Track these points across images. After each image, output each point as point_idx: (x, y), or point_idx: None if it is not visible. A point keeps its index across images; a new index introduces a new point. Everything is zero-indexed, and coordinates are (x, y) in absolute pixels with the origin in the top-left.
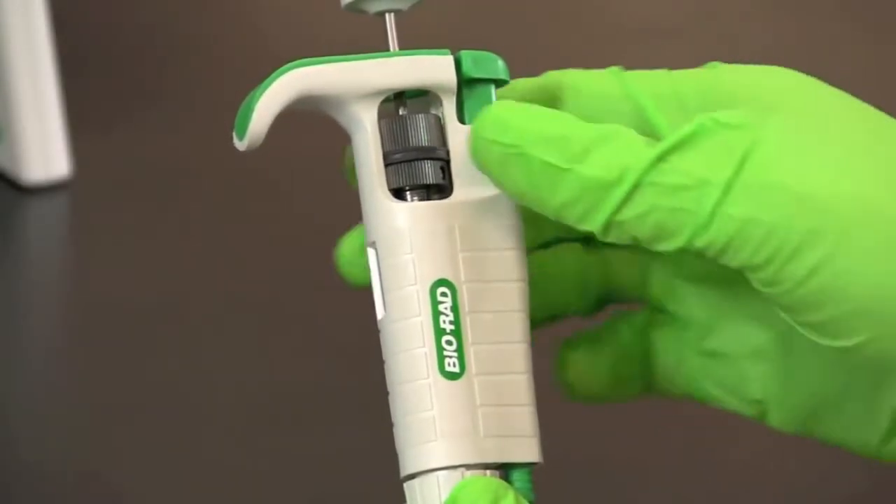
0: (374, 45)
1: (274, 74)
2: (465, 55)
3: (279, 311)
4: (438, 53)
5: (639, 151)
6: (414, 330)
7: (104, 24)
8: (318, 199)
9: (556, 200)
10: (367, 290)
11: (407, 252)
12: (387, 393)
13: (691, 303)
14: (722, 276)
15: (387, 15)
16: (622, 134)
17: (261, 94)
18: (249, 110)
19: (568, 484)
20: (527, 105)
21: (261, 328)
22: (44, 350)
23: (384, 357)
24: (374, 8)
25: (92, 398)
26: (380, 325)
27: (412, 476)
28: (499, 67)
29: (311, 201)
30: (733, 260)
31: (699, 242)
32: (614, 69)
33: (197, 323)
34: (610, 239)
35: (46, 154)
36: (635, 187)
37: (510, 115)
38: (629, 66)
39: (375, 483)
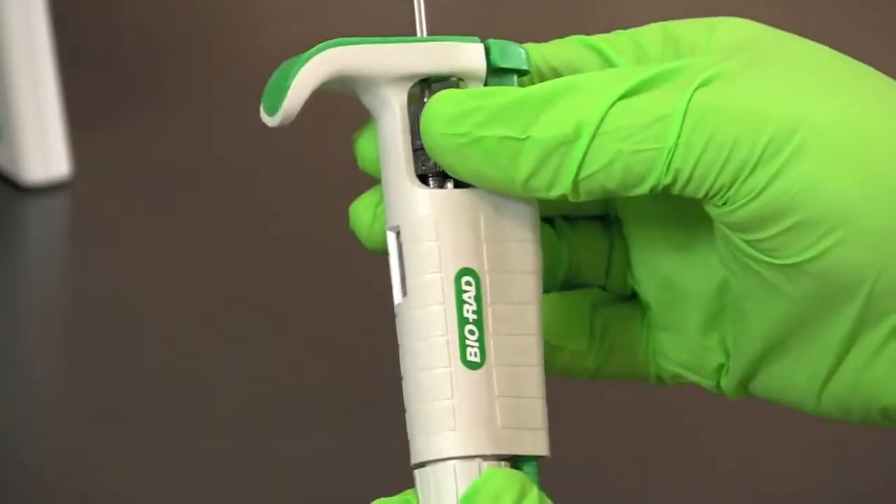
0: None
1: (311, 52)
2: (494, 44)
3: (280, 311)
4: (468, 41)
5: (593, 100)
6: (436, 317)
7: (104, 23)
8: (320, 198)
9: (522, 174)
10: (384, 256)
11: (433, 239)
12: (386, 391)
13: (648, 280)
14: (679, 240)
15: (415, 0)
16: (575, 85)
17: (298, 70)
18: (284, 86)
19: (566, 484)
20: (468, 90)
21: (261, 328)
22: (43, 350)
23: (400, 342)
24: None
25: (91, 398)
26: (397, 310)
27: (424, 464)
28: (523, 58)
29: (312, 201)
30: (701, 187)
31: (667, 178)
32: (575, 37)
33: (197, 323)
34: (582, 197)
35: (46, 154)
36: (594, 137)
37: (456, 103)
38: None
39: (374, 483)
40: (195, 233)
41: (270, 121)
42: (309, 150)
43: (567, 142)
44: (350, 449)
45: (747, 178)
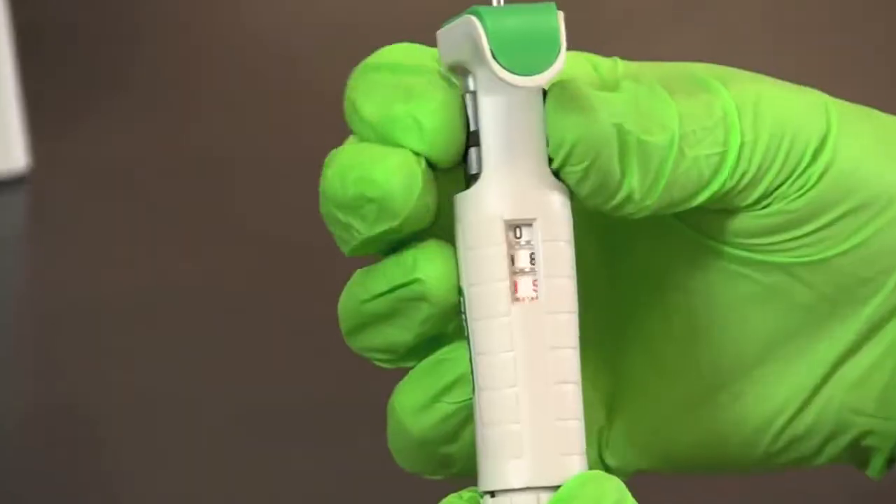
0: (356, 23)
1: (545, 5)
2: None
3: (255, 313)
4: (542, 8)
5: (670, 105)
6: (573, 325)
7: (66, 6)
8: (301, 193)
9: (634, 182)
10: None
11: (568, 239)
12: (378, 405)
13: None
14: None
15: None
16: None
17: (554, 16)
18: (545, 35)
19: None
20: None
21: (236, 329)
22: (1, 353)
23: (513, 355)
24: None
25: (49, 397)
26: (516, 308)
27: (491, 493)
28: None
29: (293, 195)
30: (762, 183)
31: (731, 181)
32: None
33: (162, 322)
34: (651, 212)
35: (4, 147)
36: (680, 142)
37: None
38: (616, 54)
39: (368, 494)
40: (163, 230)
41: (534, 80)
42: (288, 141)
43: (666, 148)
44: (342, 459)
45: (806, 168)
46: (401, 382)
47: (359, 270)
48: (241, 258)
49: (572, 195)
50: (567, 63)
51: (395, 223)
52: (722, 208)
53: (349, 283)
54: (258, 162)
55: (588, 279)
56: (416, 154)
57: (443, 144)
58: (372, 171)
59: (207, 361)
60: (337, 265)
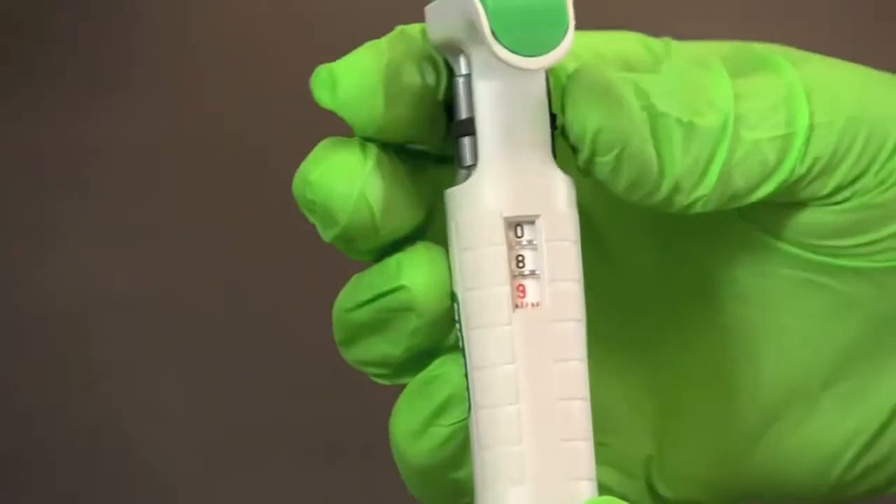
0: (336, 15)
1: None
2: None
3: (250, 310)
4: None
5: (724, 83)
6: (580, 333)
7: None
8: (252, 181)
9: (679, 169)
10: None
11: (573, 238)
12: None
13: None
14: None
15: None
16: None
17: None
18: (556, 7)
19: None
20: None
21: (232, 328)
22: None
23: (512, 365)
24: None
25: (10, 398)
26: (520, 316)
27: None
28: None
29: (284, 193)
30: (837, 172)
31: (802, 167)
32: (633, 33)
33: (160, 323)
34: (711, 205)
35: None
36: (735, 124)
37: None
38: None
39: None
40: (124, 225)
41: (540, 61)
42: (289, 141)
43: (718, 132)
44: (360, 475)
45: (888, 158)
46: (396, 403)
47: (355, 276)
48: (242, 258)
49: (592, 190)
50: (618, 44)
51: (336, 230)
52: (792, 202)
53: (342, 290)
54: (258, 162)
55: (633, 288)
56: (365, 152)
57: (356, 106)
58: (311, 173)
59: (207, 364)
60: (339, 268)
